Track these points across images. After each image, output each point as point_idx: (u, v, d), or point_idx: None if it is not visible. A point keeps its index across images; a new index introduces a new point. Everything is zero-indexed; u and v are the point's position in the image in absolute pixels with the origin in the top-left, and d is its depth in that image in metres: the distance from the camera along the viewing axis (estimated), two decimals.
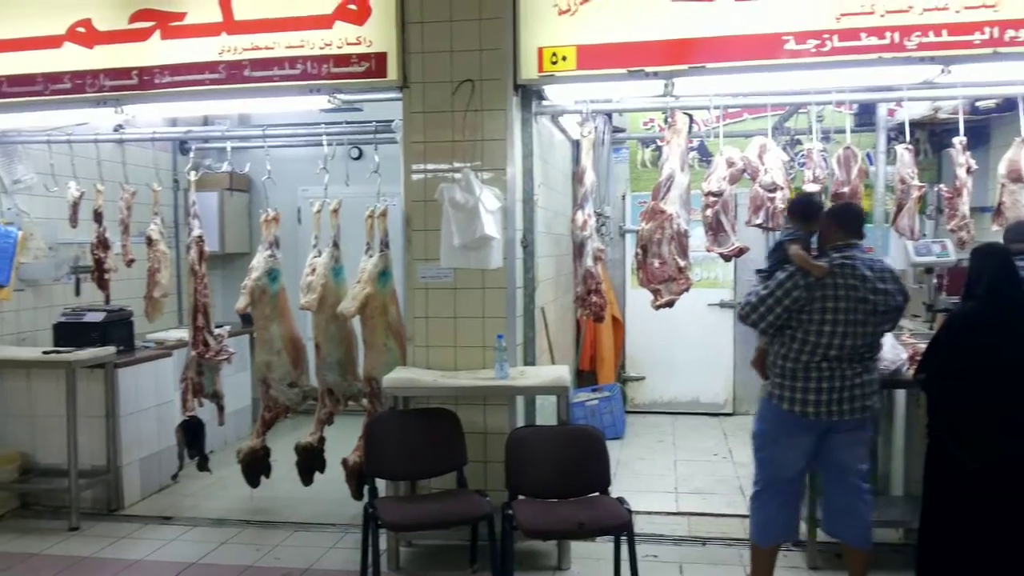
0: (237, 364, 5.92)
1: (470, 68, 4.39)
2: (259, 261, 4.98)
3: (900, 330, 5.16)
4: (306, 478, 5.02)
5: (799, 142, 5.97)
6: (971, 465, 3.40)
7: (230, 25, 4.64)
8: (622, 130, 7.34)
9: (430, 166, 4.47)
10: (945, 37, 4.12)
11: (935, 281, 5.84)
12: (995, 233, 4.73)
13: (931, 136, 7.05)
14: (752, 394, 7.28)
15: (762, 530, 3.79)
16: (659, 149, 5.92)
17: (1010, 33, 4.08)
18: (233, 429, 6.47)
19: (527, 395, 4.49)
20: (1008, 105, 5.17)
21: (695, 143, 6.64)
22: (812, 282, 3.51)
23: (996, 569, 3.44)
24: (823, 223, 3.82)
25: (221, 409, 5.40)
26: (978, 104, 5.89)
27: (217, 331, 5.20)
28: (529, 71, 4.38)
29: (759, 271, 4.17)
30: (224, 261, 7.40)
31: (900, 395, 4.58)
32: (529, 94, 4.58)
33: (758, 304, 3.62)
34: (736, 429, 7.02)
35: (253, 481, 5.15)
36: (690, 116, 5.07)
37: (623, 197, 7.64)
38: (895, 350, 4.19)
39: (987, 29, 4.10)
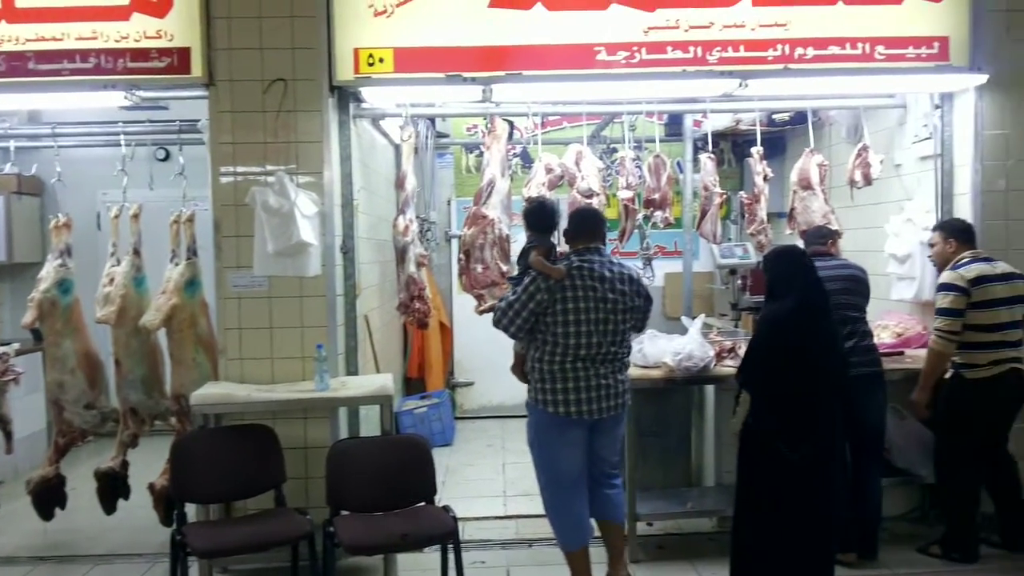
0: (28, 385, 5.37)
1: (282, 67, 4.21)
2: (48, 271, 4.56)
3: (709, 328, 5.47)
4: (108, 506, 4.63)
5: (615, 150, 6.19)
6: (792, 456, 3.56)
7: (10, 12, 4.20)
8: (446, 135, 7.33)
9: (240, 169, 4.25)
10: (742, 52, 4.40)
11: (739, 282, 6.23)
12: (790, 236, 5.11)
13: (734, 146, 7.54)
14: None
15: (568, 534, 3.83)
16: (483, 155, 5.95)
17: (799, 51, 4.41)
18: (25, 457, 5.87)
19: (350, 406, 4.36)
20: (800, 118, 5.60)
21: (517, 149, 6.76)
22: (552, 285, 3.63)
23: (802, 557, 3.66)
24: (566, 228, 3.96)
25: (9, 436, 4.87)
26: (775, 117, 6.35)
27: (1, 349, 4.70)
28: (345, 72, 4.26)
29: (511, 278, 4.16)
30: (13, 271, 6.75)
31: (709, 391, 4.82)
32: (346, 96, 4.46)
33: (507, 309, 3.70)
34: None
35: (46, 513, 4.69)
36: (511, 122, 5.13)
37: (448, 202, 7.64)
38: (703, 348, 4.40)
39: (779, 46, 4.41)
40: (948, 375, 4.24)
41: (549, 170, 4.60)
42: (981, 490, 4.29)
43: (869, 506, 4.25)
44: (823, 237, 4.49)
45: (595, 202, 4.60)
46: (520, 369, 3.95)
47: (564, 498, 3.79)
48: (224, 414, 4.06)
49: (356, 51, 4.26)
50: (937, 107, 4.80)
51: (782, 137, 6.97)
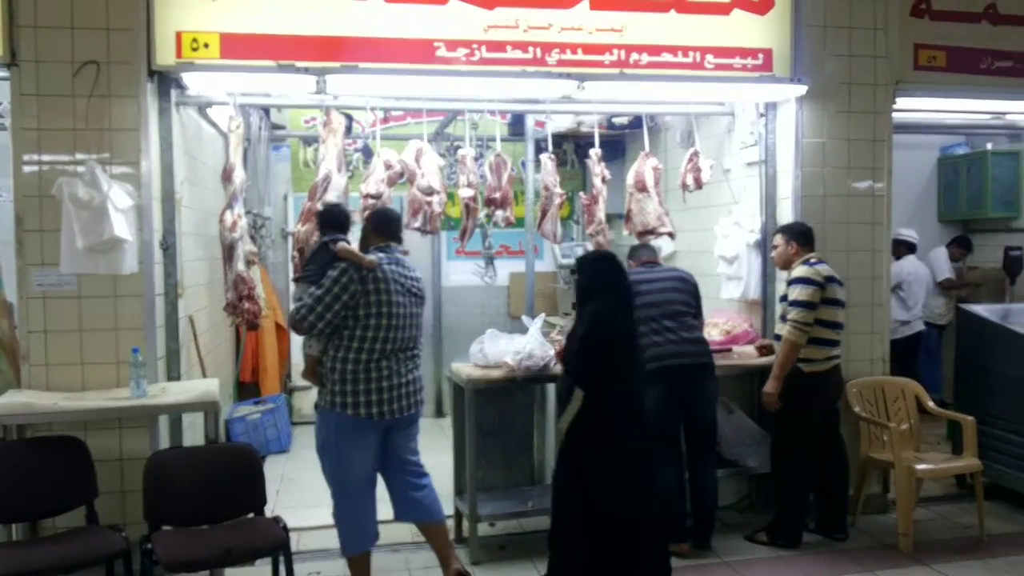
0: None
1: (95, 48, 3.88)
2: None
3: (551, 328, 5.52)
4: None
5: (459, 148, 6.13)
6: (622, 452, 3.59)
7: None
8: (282, 127, 7.04)
9: (47, 157, 3.88)
10: (580, 56, 4.46)
11: None
12: (628, 237, 5.23)
13: (577, 148, 7.65)
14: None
15: (350, 539, 3.79)
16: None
17: (635, 56, 4.52)
18: None
19: (170, 414, 4.07)
20: (639, 122, 5.75)
21: (359, 144, 6.58)
22: (365, 275, 3.62)
23: (634, 554, 3.73)
24: (364, 226, 3.97)
25: None
26: (614, 120, 6.51)
27: None
28: (166, 57, 3.99)
29: (299, 278, 3.99)
30: None
31: (550, 389, 4.85)
32: (168, 82, 4.16)
33: (315, 305, 3.62)
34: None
35: None
36: (349, 116, 4.97)
37: (285, 197, 7.33)
38: (543, 347, 4.43)
39: (616, 51, 4.50)
40: None
41: (388, 166, 4.49)
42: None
43: (705, 497, 4.44)
44: (652, 251, 4.79)
45: (436, 200, 4.53)
46: (313, 372, 3.84)
47: (350, 503, 3.75)
48: (28, 425, 3.70)
49: (179, 34, 4.00)
50: (762, 115, 5.05)
51: (622, 140, 7.17)
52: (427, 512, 3.94)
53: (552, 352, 4.47)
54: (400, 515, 3.97)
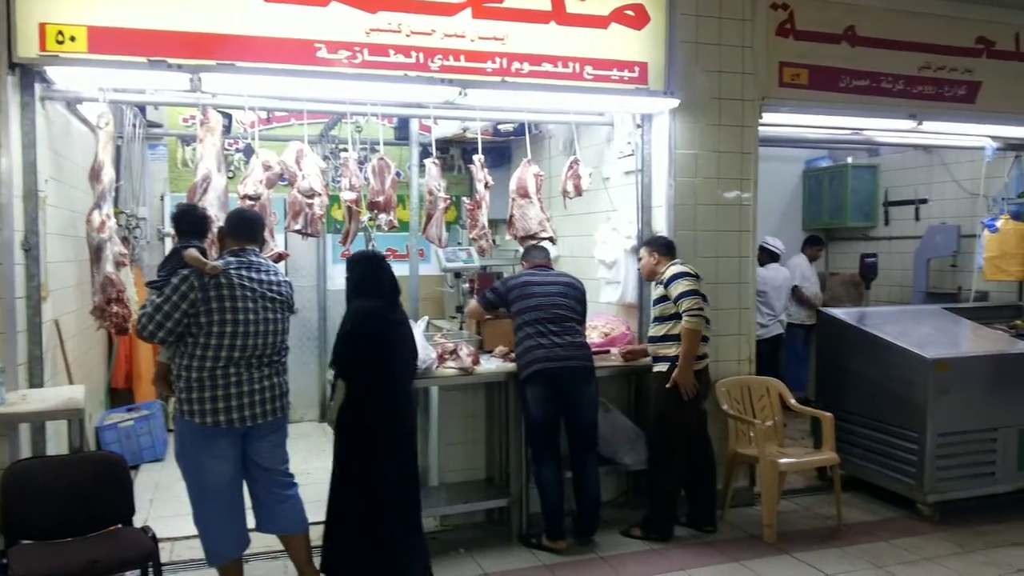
0: None
1: None
2: None
3: (437, 330, 5.55)
4: None
5: (344, 150, 6.08)
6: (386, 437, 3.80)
7: None
8: (159, 125, 6.80)
9: None
10: (463, 63, 4.51)
11: (467, 285, 6.39)
12: (511, 242, 5.32)
13: (464, 153, 7.73)
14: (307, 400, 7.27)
15: (214, 548, 3.71)
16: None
17: (516, 65, 4.61)
18: None
19: (31, 422, 3.87)
20: (523, 129, 5.85)
21: (241, 144, 6.44)
22: (207, 282, 3.55)
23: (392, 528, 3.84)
24: (221, 228, 3.94)
25: None
26: (499, 127, 6.60)
27: None
28: (28, 49, 3.80)
29: (150, 283, 3.90)
30: None
31: (434, 391, 4.88)
32: (31, 75, 3.96)
33: (154, 313, 3.53)
34: (301, 436, 6.90)
35: None
36: (228, 115, 4.87)
37: (161, 197, 7.06)
38: (425, 349, 4.45)
39: (497, 59, 4.57)
40: (655, 369, 4.63)
41: (267, 167, 4.41)
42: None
43: (588, 495, 4.58)
44: (545, 254, 4.91)
45: (317, 202, 4.49)
46: (164, 380, 3.76)
47: (208, 511, 3.66)
48: None
49: (42, 26, 3.81)
50: (638, 127, 5.24)
51: (508, 146, 7.27)
52: (290, 524, 3.84)
53: (434, 355, 4.51)
54: (261, 526, 3.85)
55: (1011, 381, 5.11)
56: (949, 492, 5.00)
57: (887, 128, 6.00)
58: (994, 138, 6.30)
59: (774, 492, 4.78)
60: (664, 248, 4.75)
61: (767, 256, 7.32)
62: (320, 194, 4.50)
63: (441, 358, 4.61)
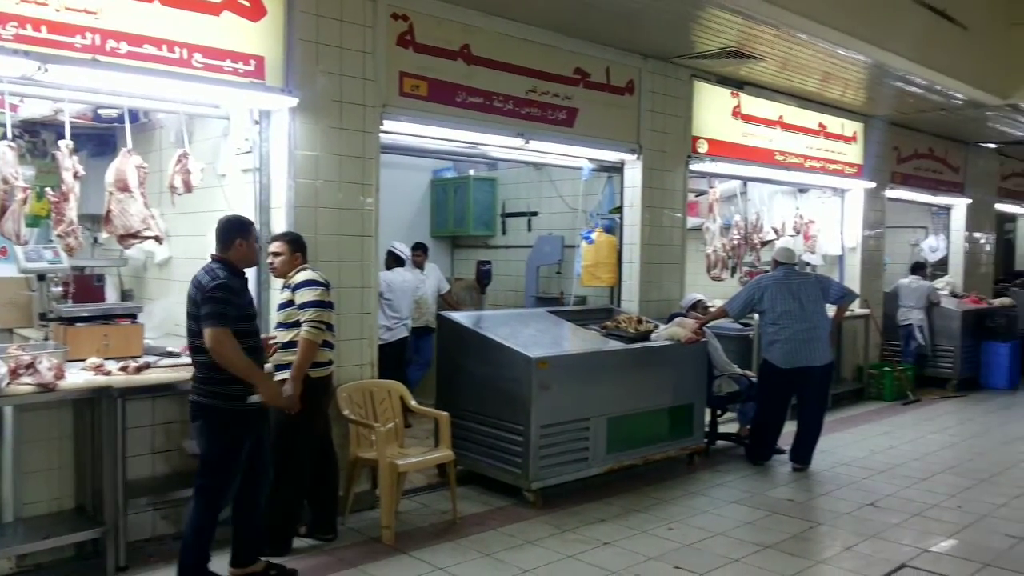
0: None
1: None
2: None
3: (24, 340, 4.80)
4: None
5: None
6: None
7: None
8: None
9: None
10: (45, 34, 3.96)
11: (60, 289, 5.61)
12: (108, 239, 4.77)
13: (59, 138, 6.80)
14: None
15: None
16: None
17: (111, 44, 4.16)
18: None
19: None
20: (135, 116, 5.30)
21: None
22: None
23: None
24: None
25: None
26: (101, 112, 5.90)
27: None
28: None
29: None
30: None
31: (8, 412, 4.20)
32: None
33: None
34: None
35: None
36: None
37: None
38: None
39: (88, 35, 4.09)
40: (278, 378, 4.40)
41: None
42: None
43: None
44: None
45: None
46: None
47: None
48: None
49: None
50: (257, 123, 5.00)
51: (113, 135, 6.55)
52: None
53: (5, 370, 3.86)
54: None
55: (602, 375, 5.74)
56: (550, 478, 5.46)
57: (500, 144, 6.41)
58: (590, 160, 7.09)
59: (393, 494, 4.85)
60: (303, 249, 4.60)
61: (394, 260, 7.47)
62: None
63: (15, 373, 3.97)
